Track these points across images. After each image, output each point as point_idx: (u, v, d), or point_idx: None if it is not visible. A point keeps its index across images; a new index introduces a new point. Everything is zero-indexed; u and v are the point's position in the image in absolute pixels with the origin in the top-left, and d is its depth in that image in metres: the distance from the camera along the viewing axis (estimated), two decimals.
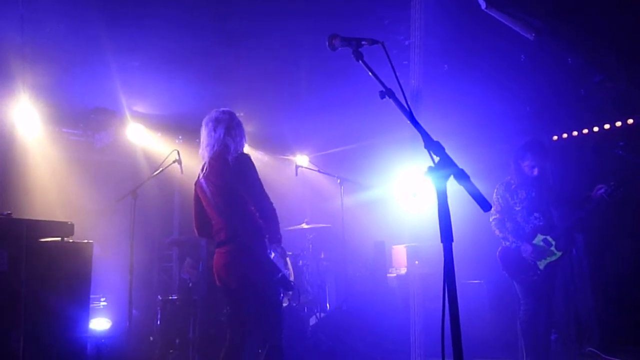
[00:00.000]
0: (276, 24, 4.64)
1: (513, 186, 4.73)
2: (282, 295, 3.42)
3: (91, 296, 4.13)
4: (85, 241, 4.05)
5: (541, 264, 4.56)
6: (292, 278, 3.44)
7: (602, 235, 6.02)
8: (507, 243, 4.68)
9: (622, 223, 5.18)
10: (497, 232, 4.75)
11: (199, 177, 3.46)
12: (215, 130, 3.39)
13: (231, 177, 3.28)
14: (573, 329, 6.19)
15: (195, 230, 3.57)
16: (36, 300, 3.54)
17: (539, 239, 4.59)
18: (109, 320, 5.48)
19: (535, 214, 4.63)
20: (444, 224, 1.56)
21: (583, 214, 4.43)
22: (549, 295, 4.62)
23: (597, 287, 6.25)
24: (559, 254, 4.54)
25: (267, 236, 3.32)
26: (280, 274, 3.31)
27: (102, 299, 5.61)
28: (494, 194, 4.82)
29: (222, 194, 3.32)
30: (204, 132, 3.46)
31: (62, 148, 6.46)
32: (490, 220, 4.79)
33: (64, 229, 3.99)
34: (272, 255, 3.33)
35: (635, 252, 5.96)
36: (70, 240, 3.96)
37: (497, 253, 4.79)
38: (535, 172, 4.62)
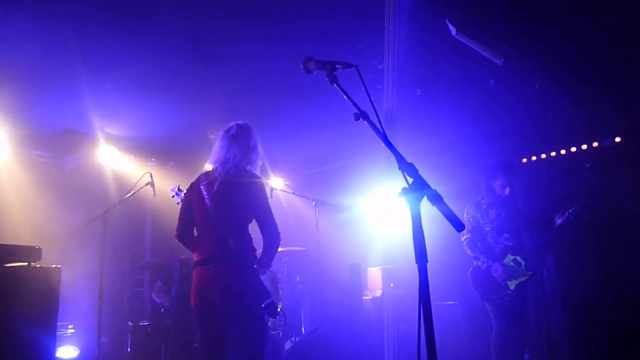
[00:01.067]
0: (251, 47, 4.68)
1: (484, 206, 4.81)
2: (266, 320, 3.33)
3: (58, 323, 4.00)
4: (54, 266, 3.94)
5: (512, 284, 4.62)
6: (280, 305, 3.37)
7: (571, 255, 6.13)
8: (479, 263, 4.74)
9: (589, 243, 5.31)
10: (468, 251, 4.79)
11: (198, 184, 3.33)
12: (231, 147, 3.29)
13: (243, 198, 3.22)
14: (546, 347, 6.25)
15: (176, 235, 3.37)
16: (1, 327, 3.41)
17: (509, 259, 4.66)
18: (77, 348, 5.31)
19: (505, 235, 4.73)
20: (418, 244, 1.58)
21: (550, 235, 4.56)
22: (521, 315, 4.68)
23: (568, 305, 6.35)
24: (529, 274, 4.62)
25: (256, 260, 3.26)
26: (269, 300, 3.23)
27: (69, 326, 5.44)
28: (465, 214, 4.88)
29: (227, 212, 3.21)
30: (218, 144, 3.34)
31: (31, 170, 6.32)
32: (462, 239, 4.86)
33: (31, 253, 3.87)
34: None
35: (601, 270, 6.09)
36: (38, 265, 3.85)
37: (469, 273, 4.84)
38: (507, 191, 4.74)
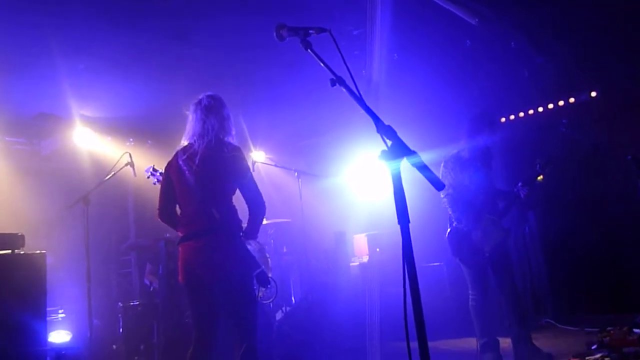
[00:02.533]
0: (223, 19, 4.59)
1: (463, 159, 4.60)
2: (257, 291, 3.33)
3: (48, 308, 3.99)
4: (38, 252, 3.92)
5: (487, 246, 4.49)
6: (270, 274, 3.36)
7: (549, 210, 6.27)
8: (460, 225, 4.56)
9: (564, 197, 5.44)
10: (449, 210, 4.60)
11: (176, 160, 3.26)
12: (207, 120, 3.22)
13: (225, 169, 3.17)
14: (529, 302, 6.44)
15: (158, 214, 3.32)
16: None
17: (486, 220, 4.54)
18: (69, 332, 5.32)
19: (483, 192, 4.58)
20: (400, 205, 1.59)
21: (524, 193, 4.50)
22: (502, 274, 4.55)
23: (548, 257, 6.53)
24: (503, 234, 4.52)
25: (242, 231, 3.23)
26: (259, 270, 3.21)
27: (60, 311, 5.43)
28: (442, 168, 4.64)
29: (210, 184, 3.16)
30: (192, 118, 3.27)
31: (6, 157, 6.20)
32: (442, 196, 4.61)
33: (14, 240, 3.84)
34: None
35: (578, 225, 6.26)
36: (22, 252, 3.82)
37: (446, 234, 4.66)
38: (487, 143, 4.60)
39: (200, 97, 3.32)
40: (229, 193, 3.24)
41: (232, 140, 3.31)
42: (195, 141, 3.23)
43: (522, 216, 4.89)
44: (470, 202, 4.56)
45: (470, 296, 4.61)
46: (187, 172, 3.19)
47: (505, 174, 5.87)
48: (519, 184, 4.52)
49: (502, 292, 4.55)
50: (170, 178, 3.29)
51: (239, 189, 3.26)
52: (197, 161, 3.17)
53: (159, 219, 3.35)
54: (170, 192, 3.29)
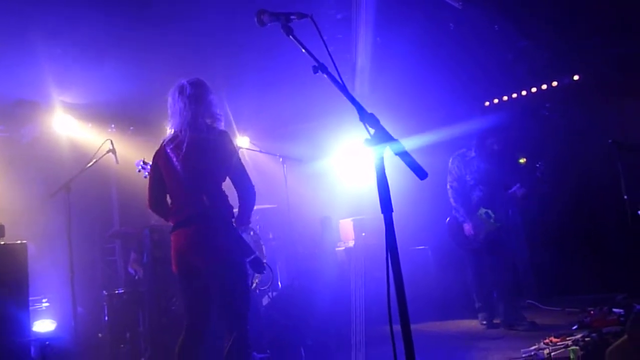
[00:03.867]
0: (204, 3, 4.50)
1: (468, 158, 5.15)
2: (252, 278, 3.31)
3: (31, 298, 3.95)
4: (19, 242, 3.87)
5: (481, 234, 5.06)
6: (264, 260, 3.33)
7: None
8: (457, 215, 5.14)
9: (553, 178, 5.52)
10: (452, 201, 5.16)
11: (163, 148, 3.21)
12: (190, 106, 3.13)
13: (212, 155, 3.12)
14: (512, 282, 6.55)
15: (149, 204, 3.29)
16: None
17: (481, 212, 5.05)
18: (54, 321, 5.27)
19: (481, 187, 5.09)
20: (383, 194, 1.59)
21: (521, 193, 5.04)
22: (491, 260, 5.12)
23: (531, 242, 6.63)
24: (497, 225, 5.04)
25: (234, 217, 3.20)
26: (253, 256, 3.18)
27: (43, 300, 5.38)
28: (450, 163, 5.22)
29: (198, 171, 3.12)
30: (177, 107, 3.17)
31: None
32: (448, 187, 5.20)
33: None
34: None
35: (560, 208, 6.35)
36: (2, 243, 3.77)
37: (446, 222, 5.30)
38: (496, 147, 5.08)
39: (182, 83, 3.21)
40: (218, 179, 3.19)
41: (220, 125, 3.26)
42: (179, 127, 3.16)
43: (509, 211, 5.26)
44: (468, 196, 5.12)
45: (469, 271, 5.40)
46: (174, 160, 3.14)
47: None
48: (517, 185, 5.04)
49: (494, 271, 5.12)
50: (159, 168, 3.24)
51: (228, 175, 3.21)
52: (184, 149, 3.11)
53: (150, 210, 3.32)
54: (159, 182, 3.24)
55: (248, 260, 3.16)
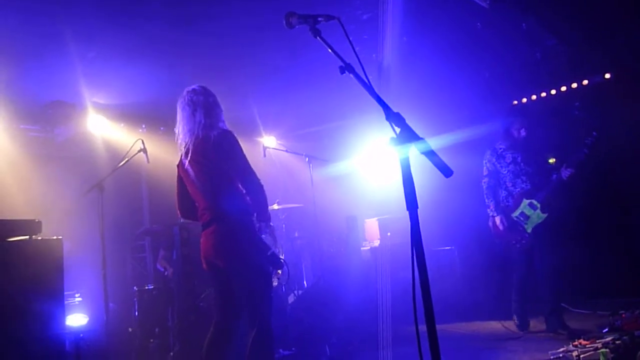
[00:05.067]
0: (231, 5, 4.57)
1: (500, 150, 5.00)
2: (272, 274, 3.37)
3: (65, 293, 4.07)
4: (55, 237, 3.99)
5: (529, 228, 4.85)
6: (282, 256, 3.38)
7: (562, 195, 6.23)
8: (488, 210, 4.99)
9: (577, 181, 5.40)
10: (485, 197, 5.03)
11: (181, 159, 3.38)
12: (194, 115, 3.26)
13: (216, 155, 3.20)
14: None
15: (179, 213, 3.51)
16: (9, 301, 3.48)
17: (524, 204, 4.87)
18: (86, 316, 5.42)
19: (522, 177, 4.91)
20: (408, 191, 1.61)
21: (567, 174, 4.67)
22: (543, 253, 4.87)
23: (563, 245, 6.51)
24: (544, 216, 4.81)
25: (254, 214, 3.25)
26: (270, 252, 3.24)
27: (76, 295, 5.54)
28: (484, 159, 5.10)
29: (207, 174, 3.24)
30: (180, 115, 3.34)
31: (22, 145, 6.28)
32: (482, 182, 5.09)
33: (32, 227, 3.90)
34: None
35: (591, 209, 6.23)
36: (39, 238, 3.89)
37: (489, 224, 5.08)
38: (523, 132, 4.92)
39: (184, 93, 3.37)
40: (228, 178, 3.25)
41: (222, 124, 3.34)
42: (184, 136, 3.32)
43: (556, 200, 4.99)
44: (506, 188, 4.97)
45: (515, 272, 5.04)
46: (189, 169, 3.30)
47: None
48: (564, 165, 4.72)
49: (542, 269, 4.86)
50: (181, 177, 3.44)
51: (233, 173, 3.25)
52: (190, 155, 3.26)
53: (182, 219, 3.49)
54: (182, 190, 3.44)
55: (265, 256, 3.22)
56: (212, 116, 3.30)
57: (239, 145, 3.29)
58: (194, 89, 3.37)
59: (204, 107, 3.30)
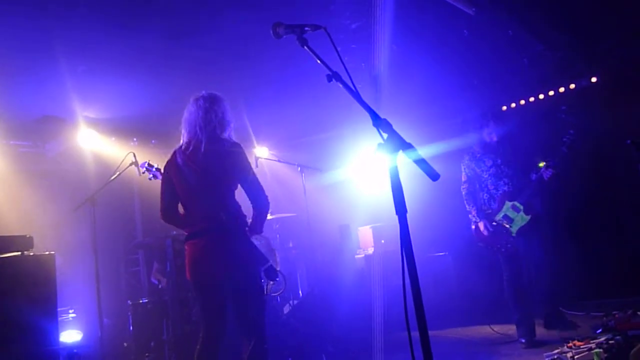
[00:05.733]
0: (221, 17, 4.61)
1: (478, 155, 4.95)
2: (264, 284, 3.36)
3: (59, 309, 4.05)
4: (47, 253, 3.97)
5: (513, 230, 4.81)
6: (278, 267, 3.40)
7: (553, 198, 6.28)
8: (470, 216, 4.92)
9: (567, 184, 5.45)
10: (466, 205, 4.96)
11: (175, 159, 3.28)
12: (207, 115, 3.23)
13: (225, 166, 3.18)
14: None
15: (161, 215, 3.35)
16: (2, 318, 3.47)
17: (507, 206, 4.82)
18: (80, 332, 5.38)
19: (504, 180, 4.86)
20: (397, 196, 1.63)
21: (548, 175, 4.63)
22: (530, 255, 4.86)
23: (555, 247, 6.55)
24: (527, 217, 4.76)
25: (247, 226, 3.26)
26: (268, 264, 3.26)
27: (70, 311, 5.50)
28: (462, 165, 5.03)
29: (212, 182, 3.18)
30: (190, 111, 3.29)
31: (12, 161, 6.26)
32: (461, 189, 5.03)
33: (23, 242, 3.90)
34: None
35: (581, 212, 6.28)
36: (31, 254, 3.88)
37: (472, 227, 5.00)
38: (494, 137, 4.88)
39: (197, 95, 3.35)
40: (232, 189, 3.27)
41: (231, 135, 3.33)
42: (193, 136, 3.24)
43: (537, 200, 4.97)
44: (488, 191, 4.90)
45: (504, 277, 4.90)
46: (188, 171, 3.20)
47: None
48: (545, 166, 4.68)
49: (530, 270, 4.85)
50: (170, 178, 3.30)
51: (241, 185, 3.28)
52: (198, 160, 3.18)
53: (162, 220, 3.38)
54: (171, 193, 3.31)
55: (263, 269, 3.23)
56: (222, 122, 3.28)
57: (248, 159, 3.31)
58: (210, 92, 3.36)
59: (215, 113, 3.27)
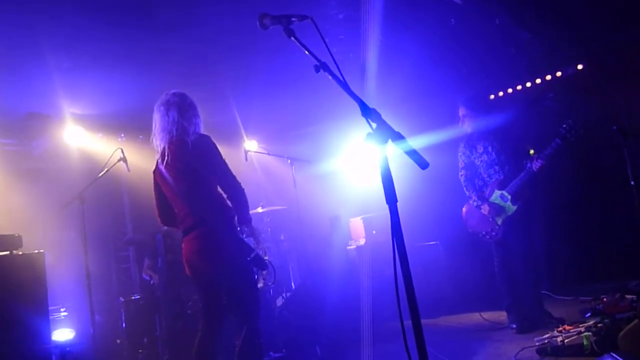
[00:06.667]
0: (207, 9, 4.57)
1: (472, 141, 4.98)
2: (256, 275, 3.39)
3: (50, 307, 4.03)
4: (36, 252, 3.95)
5: (499, 220, 4.82)
6: (266, 257, 3.40)
7: (540, 185, 6.33)
8: (472, 202, 4.96)
9: (554, 170, 5.47)
10: (465, 189, 5.01)
11: (157, 164, 3.37)
12: (168, 114, 3.27)
13: (193, 160, 3.21)
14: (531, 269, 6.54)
15: (159, 220, 3.49)
16: None
17: (495, 195, 4.83)
18: (72, 330, 5.36)
19: (495, 167, 4.87)
20: (387, 186, 1.64)
21: (538, 166, 4.56)
22: (516, 243, 4.85)
23: (544, 233, 6.62)
24: (514, 208, 4.75)
25: (235, 217, 3.27)
26: (254, 254, 3.27)
27: (62, 310, 5.48)
28: (458, 153, 5.08)
29: (185, 178, 3.23)
30: (156, 117, 3.34)
31: None
32: (459, 176, 5.07)
33: (12, 241, 3.88)
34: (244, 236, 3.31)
35: (569, 198, 6.35)
36: (20, 253, 3.85)
37: (463, 210, 5.08)
38: (469, 129, 4.95)
39: (160, 98, 3.38)
40: (207, 183, 3.27)
41: (198, 129, 3.33)
42: (165, 143, 3.29)
43: (526, 192, 4.92)
44: (484, 181, 4.93)
45: (495, 263, 4.99)
46: (168, 176, 3.29)
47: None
48: (535, 157, 4.62)
49: (517, 258, 4.84)
50: (158, 184, 3.42)
51: (214, 177, 3.28)
52: (173, 164, 3.24)
53: (162, 225, 3.50)
54: (161, 197, 3.42)
55: (249, 258, 3.24)
56: (186, 118, 3.28)
57: (217, 148, 3.30)
58: (173, 92, 3.38)
59: (178, 108, 3.29)
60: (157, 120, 3.34)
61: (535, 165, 4.57)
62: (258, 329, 3.22)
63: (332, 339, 5.30)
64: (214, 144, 3.30)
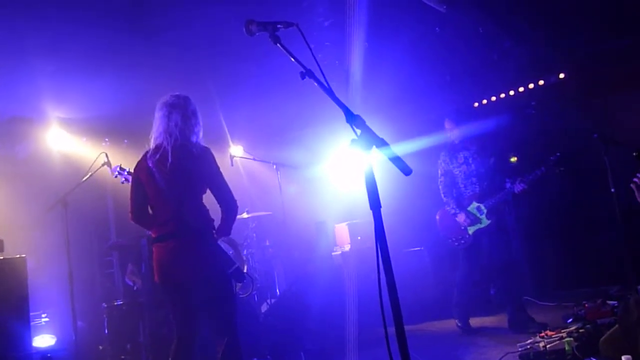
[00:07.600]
0: (191, 13, 4.57)
1: (453, 149, 5.05)
2: (234, 286, 3.37)
3: (31, 313, 3.99)
4: (18, 256, 3.91)
5: (470, 230, 4.94)
6: (245, 269, 3.39)
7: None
8: (448, 208, 5.02)
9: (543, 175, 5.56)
10: (442, 195, 5.07)
11: (145, 161, 3.25)
12: (170, 117, 3.21)
13: (196, 168, 3.18)
14: (512, 278, 6.60)
15: (131, 216, 3.32)
16: None
17: (473, 206, 4.93)
18: (54, 336, 5.29)
19: (473, 179, 4.95)
20: (371, 191, 1.65)
21: (519, 189, 4.70)
22: (479, 257, 5.02)
23: (526, 240, 6.70)
24: (487, 222, 4.87)
25: (215, 229, 3.26)
26: (235, 267, 3.25)
27: (43, 315, 5.40)
28: (439, 160, 5.14)
29: (181, 184, 3.17)
30: (157, 116, 3.27)
31: None
32: (439, 182, 5.13)
33: None
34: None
35: (551, 205, 6.43)
36: (1, 257, 3.81)
37: (437, 215, 5.17)
38: (465, 135, 4.98)
39: (166, 96, 3.33)
40: (200, 194, 3.28)
41: (199, 139, 3.31)
42: (162, 141, 3.23)
43: (501, 209, 5.04)
44: (461, 192, 5.00)
45: (458, 272, 5.15)
46: (157, 174, 3.19)
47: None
48: (518, 179, 4.75)
49: (490, 268, 5.02)
50: (140, 180, 3.28)
51: (210, 189, 3.28)
52: (167, 165, 3.17)
53: (132, 222, 3.35)
54: (141, 195, 3.29)
55: (229, 271, 3.22)
56: (188, 125, 3.25)
57: (216, 162, 3.29)
58: (177, 94, 3.32)
59: (182, 113, 3.25)
60: (158, 120, 3.27)
61: (517, 188, 4.72)
62: (238, 337, 3.20)
63: (317, 345, 5.30)
64: (215, 158, 3.29)
